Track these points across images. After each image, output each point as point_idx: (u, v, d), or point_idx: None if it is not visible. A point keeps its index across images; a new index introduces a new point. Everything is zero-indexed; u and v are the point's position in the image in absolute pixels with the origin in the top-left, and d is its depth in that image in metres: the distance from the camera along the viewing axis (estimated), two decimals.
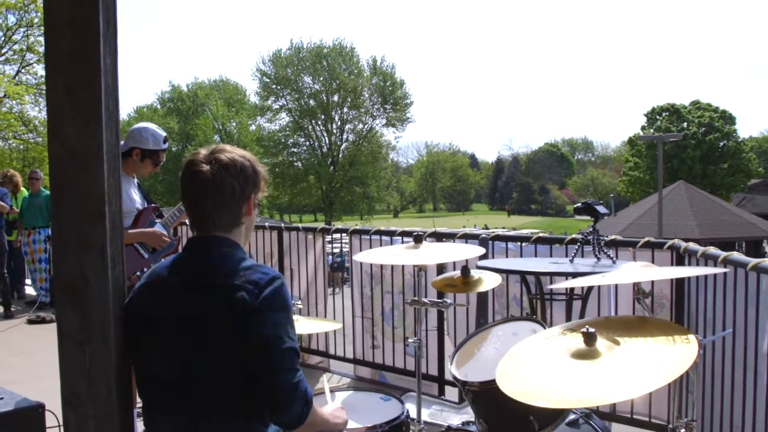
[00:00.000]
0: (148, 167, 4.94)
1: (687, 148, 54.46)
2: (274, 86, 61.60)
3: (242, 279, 2.29)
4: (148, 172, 5.03)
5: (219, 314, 2.25)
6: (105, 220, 2.31)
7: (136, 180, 5.07)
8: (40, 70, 27.42)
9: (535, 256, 5.42)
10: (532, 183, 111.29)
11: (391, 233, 6.34)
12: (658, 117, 58.77)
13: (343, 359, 7.02)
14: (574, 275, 3.83)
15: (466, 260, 3.80)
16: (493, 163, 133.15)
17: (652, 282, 4.96)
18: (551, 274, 4.18)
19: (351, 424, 2.95)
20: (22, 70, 28.49)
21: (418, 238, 3.67)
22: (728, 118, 57.41)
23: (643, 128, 59.35)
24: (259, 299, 2.25)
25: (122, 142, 4.91)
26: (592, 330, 2.32)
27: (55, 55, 2.31)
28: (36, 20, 27.17)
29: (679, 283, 4.88)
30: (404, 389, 5.46)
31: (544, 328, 2.89)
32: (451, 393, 5.89)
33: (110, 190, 2.33)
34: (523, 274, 4.56)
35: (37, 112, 27.00)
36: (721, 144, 56.20)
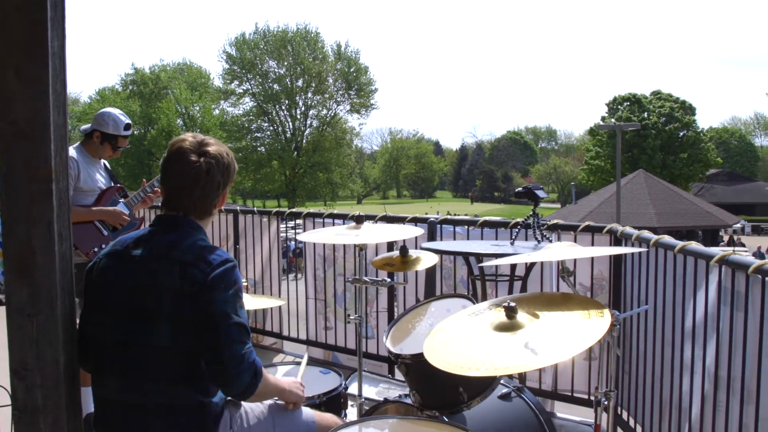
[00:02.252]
0: (107, 151, 5.06)
1: (647, 137, 55.15)
2: (238, 70, 61.18)
3: (196, 257, 2.44)
4: (108, 156, 5.14)
5: (170, 287, 2.40)
6: (52, 196, 2.43)
7: (103, 162, 5.19)
8: None
9: (482, 239, 5.58)
10: (496, 170, 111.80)
11: (343, 216, 6.47)
12: (619, 107, 59.40)
13: (296, 340, 7.13)
14: (510, 256, 3.99)
15: (404, 240, 3.94)
16: (457, 151, 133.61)
17: (592, 264, 5.16)
18: (487, 255, 4.34)
19: None
20: None
21: (359, 219, 3.84)
22: (688, 109, 58.19)
23: (603, 118, 59.90)
24: (209, 277, 2.40)
25: (87, 125, 5.08)
26: (512, 304, 2.48)
27: (4, 38, 2.40)
28: None
29: (616, 266, 5.08)
30: (355, 369, 5.60)
31: (474, 304, 3.04)
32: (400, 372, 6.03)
33: (57, 168, 2.45)
34: (461, 255, 4.73)
35: None
36: (681, 134, 56.99)
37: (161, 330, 2.40)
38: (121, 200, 5.11)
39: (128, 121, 5.09)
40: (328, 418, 2.94)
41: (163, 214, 2.62)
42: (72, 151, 4.92)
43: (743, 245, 39.88)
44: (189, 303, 2.38)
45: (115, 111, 5.06)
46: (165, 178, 2.61)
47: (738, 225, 42.96)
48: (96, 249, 4.77)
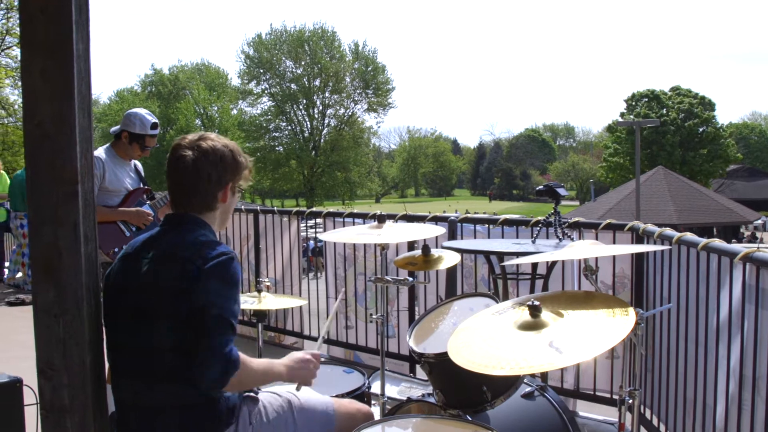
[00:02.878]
0: (136, 150, 5.11)
1: (666, 134, 54.70)
2: (255, 70, 61.36)
3: (194, 252, 2.44)
4: (138, 156, 5.19)
5: (169, 284, 2.41)
6: (78, 198, 2.45)
7: (134, 163, 5.25)
8: (19, 53, 27.00)
9: (502, 237, 5.57)
10: (514, 168, 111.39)
11: (363, 216, 6.48)
12: (637, 103, 58.94)
13: (317, 339, 7.13)
14: (532, 254, 3.99)
15: (424, 240, 3.95)
16: (475, 149, 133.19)
17: (614, 262, 5.14)
18: (510, 254, 4.33)
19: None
20: (2, 54, 28.20)
21: (381, 219, 3.84)
22: (708, 104, 57.63)
23: (622, 114, 59.51)
24: (203, 268, 2.39)
25: (117, 126, 5.13)
26: (537, 303, 2.47)
27: (30, 41, 2.43)
28: (15, 3, 26.83)
29: (638, 264, 5.06)
30: (377, 368, 5.61)
31: (497, 303, 3.04)
32: (423, 371, 6.03)
33: (83, 170, 2.47)
34: (483, 254, 4.73)
35: (17, 95, 26.76)
36: (701, 130, 56.44)
37: (163, 329, 2.41)
38: (148, 202, 5.16)
39: (155, 120, 5.14)
40: (347, 404, 2.95)
41: (170, 213, 2.65)
42: (101, 152, 5.00)
43: (761, 242, 39.59)
44: (184, 299, 2.37)
45: (142, 111, 5.11)
46: (166, 177, 2.64)
47: (759, 221, 42.54)
48: (117, 249, 4.81)
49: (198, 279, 2.38)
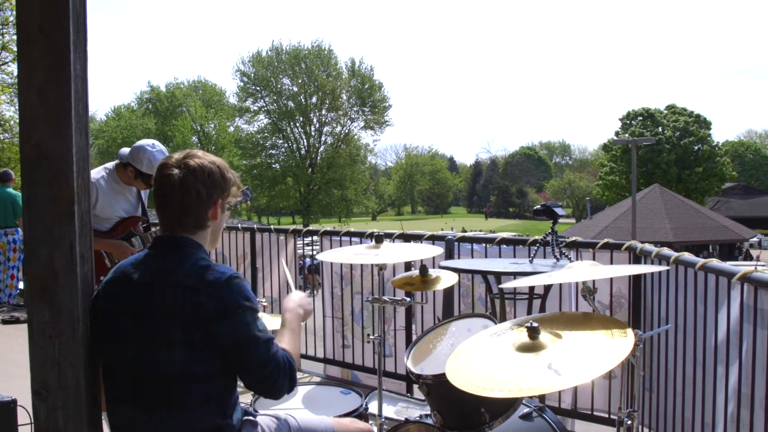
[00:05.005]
0: (140, 185, 4.95)
1: (662, 152, 54.90)
2: (252, 87, 61.55)
3: (200, 279, 2.38)
4: (141, 188, 5.04)
5: (178, 313, 2.35)
6: (74, 218, 2.44)
7: (135, 189, 5.06)
8: (15, 69, 26.92)
9: (500, 257, 5.56)
10: (510, 186, 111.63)
11: (360, 234, 6.46)
12: (633, 121, 59.20)
13: (314, 359, 7.13)
14: (530, 275, 3.98)
15: (421, 260, 3.93)
16: (471, 166, 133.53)
17: (611, 281, 5.13)
18: (508, 274, 4.32)
19: None
20: None
21: (379, 239, 3.82)
22: (703, 123, 57.88)
23: (617, 133, 59.73)
24: (221, 303, 2.35)
25: (127, 149, 4.94)
26: (535, 324, 2.46)
27: (27, 60, 2.42)
28: (11, 19, 26.76)
29: (636, 284, 5.05)
30: (374, 388, 5.58)
31: (495, 324, 3.02)
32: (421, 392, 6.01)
33: (79, 191, 2.46)
34: (480, 273, 4.71)
35: (13, 112, 26.65)
36: (696, 148, 56.67)
37: (173, 357, 2.35)
38: (139, 233, 4.96)
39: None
40: (347, 423, 2.95)
41: (160, 236, 2.58)
42: (100, 174, 4.83)
43: (758, 259, 39.61)
44: (200, 328, 2.34)
45: (152, 150, 4.84)
46: (155, 197, 2.60)
47: (755, 239, 42.59)
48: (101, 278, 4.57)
49: (221, 314, 2.35)
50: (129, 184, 4.96)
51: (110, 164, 4.98)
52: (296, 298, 2.94)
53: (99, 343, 2.54)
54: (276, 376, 2.45)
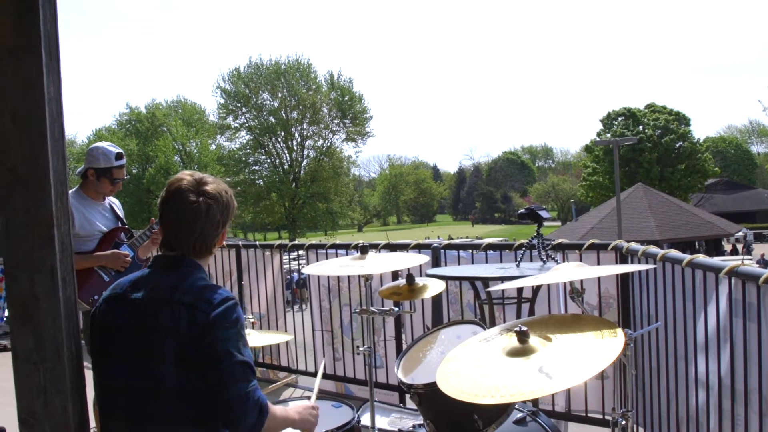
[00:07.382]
0: (107, 186, 4.83)
1: (644, 151, 55.20)
2: (233, 104, 61.40)
3: (197, 297, 2.40)
4: (109, 191, 4.91)
5: (172, 330, 2.35)
6: (54, 242, 2.40)
7: (109, 202, 4.99)
8: None
9: (486, 262, 5.55)
10: (494, 192, 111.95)
11: (346, 246, 6.44)
12: (614, 122, 59.55)
13: (309, 374, 7.09)
14: (517, 279, 3.96)
15: (408, 269, 3.92)
16: (455, 174, 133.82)
17: (599, 282, 5.13)
18: (495, 279, 4.31)
19: None
20: None
21: (364, 249, 3.80)
22: (683, 120, 58.29)
23: (599, 134, 60.04)
24: (210, 316, 2.35)
25: (81, 167, 4.88)
26: (524, 328, 2.44)
27: None
28: None
29: (624, 283, 5.05)
30: (366, 400, 5.56)
31: (485, 330, 3.01)
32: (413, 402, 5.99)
33: (58, 214, 2.42)
34: (467, 280, 4.70)
35: None
36: (677, 145, 57.04)
37: (166, 373, 2.35)
38: (126, 242, 4.90)
39: (119, 150, 4.86)
40: None
41: (162, 255, 2.59)
42: (71, 195, 4.75)
43: (748, 254, 39.87)
44: (192, 344, 2.34)
45: (103, 144, 4.85)
46: (163, 219, 2.58)
47: (740, 233, 42.83)
48: (96, 297, 4.53)
49: (207, 325, 2.34)
50: (97, 197, 4.87)
51: (73, 189, 4.85)
52: (314, 411, 2.85)
53: (95, 358, 2.53)
54: (243, 403, 2.36)
